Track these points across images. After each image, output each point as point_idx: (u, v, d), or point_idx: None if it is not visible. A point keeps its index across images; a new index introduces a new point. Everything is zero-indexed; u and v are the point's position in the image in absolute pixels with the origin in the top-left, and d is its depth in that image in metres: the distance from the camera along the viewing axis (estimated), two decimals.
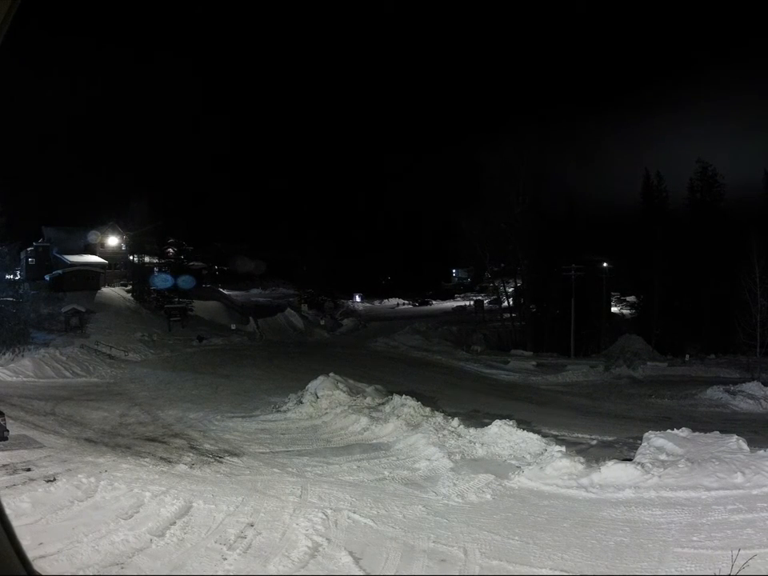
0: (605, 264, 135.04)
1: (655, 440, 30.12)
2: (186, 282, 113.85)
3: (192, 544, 19.73)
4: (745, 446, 27.86)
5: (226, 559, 18.67)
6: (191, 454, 31.28)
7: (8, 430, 27.01)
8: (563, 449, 30.30)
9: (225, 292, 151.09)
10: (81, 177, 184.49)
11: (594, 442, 36.40)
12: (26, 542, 6.82)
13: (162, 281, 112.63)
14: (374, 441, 35.29)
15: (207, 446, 33.28)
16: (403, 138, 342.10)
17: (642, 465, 26.57)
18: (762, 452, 26.73)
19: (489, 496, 25.21)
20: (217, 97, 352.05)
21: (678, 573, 17.85)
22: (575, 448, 33.16)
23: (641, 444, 30.65)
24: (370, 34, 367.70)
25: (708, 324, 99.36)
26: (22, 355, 59.86)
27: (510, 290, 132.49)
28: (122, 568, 18.34)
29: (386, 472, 29.08)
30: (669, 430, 31.43)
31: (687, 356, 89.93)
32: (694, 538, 19.97)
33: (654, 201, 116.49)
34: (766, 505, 21.86)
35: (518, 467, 28.90)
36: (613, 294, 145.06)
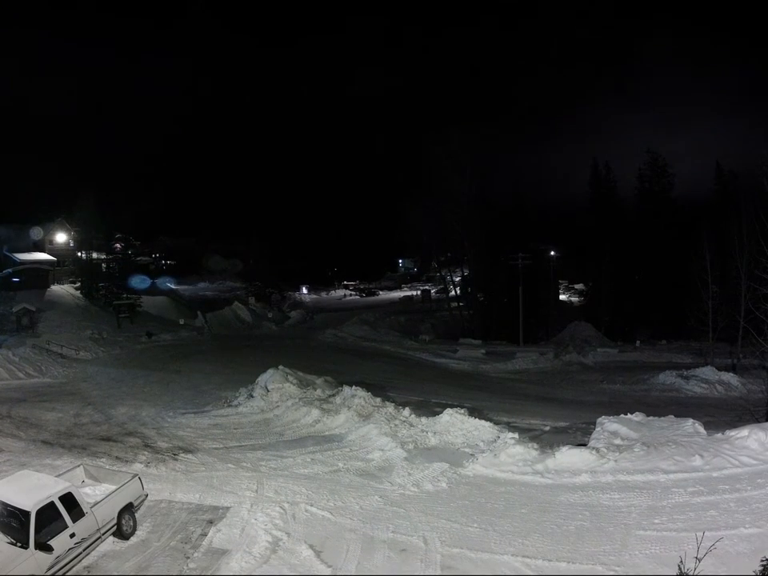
0: (552, 252, 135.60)
1: (609, 425, 30.14)
2: (142, 281, 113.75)
3: (155, 544, 19.61)
4: (702, 430, 27.94)
5: (189, 558, 18.54)
6: (146, 453, 30.95)
7: None
8: (516, 435, 30.35)
9: (172, 286, 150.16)
10: (29, 173, 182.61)
11: (547, 428, 36.26)
12: None
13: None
14: (327, 432, 35.09)
15: (161, 444, 32.88)
16: (350, 127, 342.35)
17: (597, 450, 26.57)
18: (719, 435, 26.84)
19: (444, 484, 25.16)
20: (157, 99, 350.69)
21: (643, 555, 17.83)
22: (528, 434, 33.23)
23: (594, 429, 30.67)
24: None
25: (658, 310, 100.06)
26: None
27: (458, 279, 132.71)
28: (89, 571, 18.10)
29: (340, 464, 28.96)
30: (622, 415, 31.49)
31: (638, 342, 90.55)
32: (656, 521, 19.96)
33: (601, 190, 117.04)
34: (727, 487, 21.91)
35: (472, 455, 28.92)
36: (561, 281, 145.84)
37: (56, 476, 20.81)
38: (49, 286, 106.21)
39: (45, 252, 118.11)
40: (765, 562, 11.65)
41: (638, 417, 31.05)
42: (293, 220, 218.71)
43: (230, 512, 22.08)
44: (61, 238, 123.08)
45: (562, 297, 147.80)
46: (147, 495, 22.29)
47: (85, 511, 18.69)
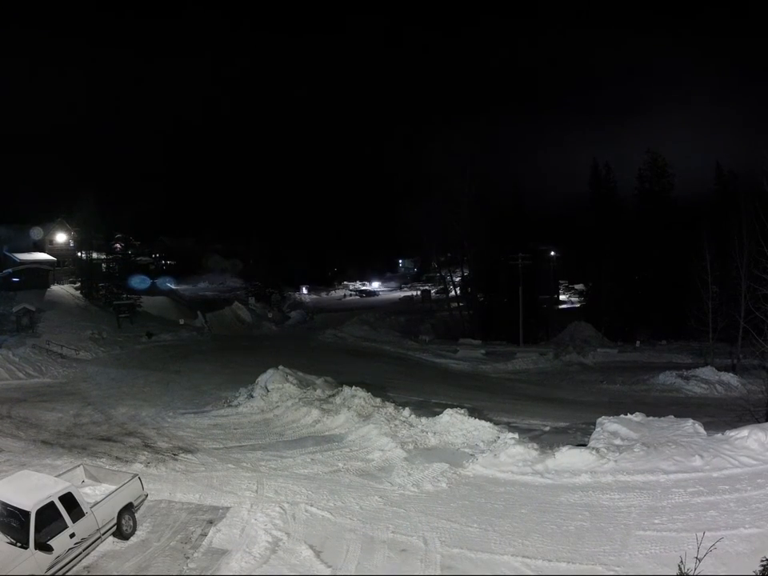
0: (552, 252, 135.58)
1: (609, 425, 30.14)
2: (142, 281, 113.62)
3: (155, 544, 19.62)
4: (701, 430, 27.94)
5: (188, 558, 18.55)
6: (146, 453, 30.99)
7: None
8: (516, 436, 30.35)
9: (172, 287, 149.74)
10: (29, 173, 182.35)
11: (547, 429, 36.28)
12: None
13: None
14: (327, 433, 35.11)
15: (161, 444, 32.92)
16: (351, 127, 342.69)
17: (597, 450, 26.57)
18: (719, 435, 26.85)
19: (444, 485, 25.17)
20: (155, 97, 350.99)
21: (643, 555, 17.83)
22: (528, 435, 33.22)
23: (594, 429, 30.67)
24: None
25: (658, 310, 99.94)
26: None
27: (458, 279, 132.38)
28: (89, 571, 18.10)
29: (340, 464, 28.99)
30: (622, 415, 31.48)
31: (638, 342, 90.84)
32: (656, 521, 19.97)
33: (601, 190, 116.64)
34: (727, 487, 21.93)
35: (472, 455, 28.92)
36: (561, 282, 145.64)
37: (56, 476, 20.82)
38: (49, 286, 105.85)
39: (45, 252, 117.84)
40: (765, 562, 11.65)
41: (637, 417, 31.04)
42: (293, 220, 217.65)
43: (229, 512, 22.10)
44: (61, 238, 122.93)
45: (562, 297, 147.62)
46: (147, 495, 22.30)
47: (85, 511, 18.70)
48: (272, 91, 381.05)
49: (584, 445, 28.45)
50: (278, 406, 41.01)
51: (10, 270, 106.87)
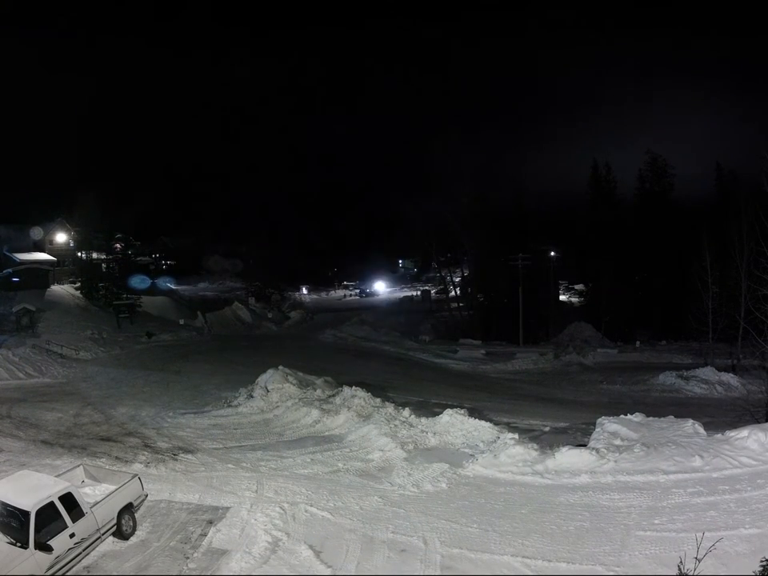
0: (552, 253, 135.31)
1: (609, 425, 30.11)
2: (142, 281, 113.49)
3: (155, 544, 19.59)
4: (701, 430, 27.91)
5: (188, 558, 18.53)
6: (146, 453, 30.94)
7: None
8: (516, 436, 30.29)
9: (172, 287, 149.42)
10: (29, 173, 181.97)
11: (547, 429, 36.23)
12: None
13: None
14: (326, 433, 35.08)
15: (161, 444, 32.86)
16: (350, 127, 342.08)
17: (597, 450, 26.54)
18: (719, 435, 26.82)
19: (444, 485, 25.15)
20: (154, 95, 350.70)
21: (642, 555, 17.81)
22: (528, 435, 33.18)
23: (594, 429, 30.63)
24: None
25: (658, 311, 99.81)
26: None
27: (458, 279, 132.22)
28: (89, 571, 18.08)
29: (339, 464, 28.98)
30: (622, 415, 31.46)
31: (638, 342, 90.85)
32: (656, 521, 19.95)
33: (601, 190, 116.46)
34: (727, 488, 21.91)
35: (472, 455, 28.90)
36: (561, 282, 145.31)
37: (56, 476, 20.81)
38: (49, 286, 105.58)
39: (45, 252, 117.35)
40: (765, 563, 11.66)
41: (637, 417, 31.03)
42: (293, 220, 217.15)
43: (229, 512, 22.09)
44: (61, 238, 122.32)
45: (562, 297, 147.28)
46: (147, 495, 22.29)
47: (85, 511, 18.69)
48: (271, 90, 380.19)
49: (584, 445, 28.42)
50: (277, 406, 41.01)
51: (10, 270, 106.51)
